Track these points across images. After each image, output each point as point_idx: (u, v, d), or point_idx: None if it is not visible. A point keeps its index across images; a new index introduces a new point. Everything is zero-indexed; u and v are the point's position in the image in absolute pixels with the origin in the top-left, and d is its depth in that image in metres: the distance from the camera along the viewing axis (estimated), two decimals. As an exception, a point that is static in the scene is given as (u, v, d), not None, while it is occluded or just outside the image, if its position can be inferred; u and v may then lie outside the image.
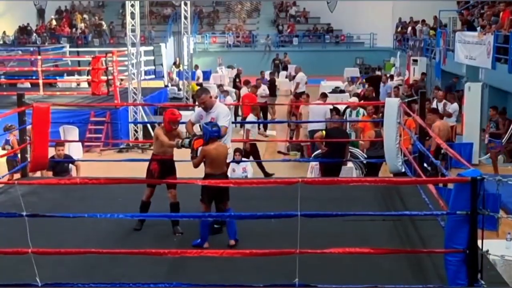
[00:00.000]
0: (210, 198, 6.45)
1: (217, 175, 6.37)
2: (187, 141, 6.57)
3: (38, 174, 9.55)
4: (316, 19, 36.22)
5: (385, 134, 8.89)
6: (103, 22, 34.70)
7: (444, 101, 14.63)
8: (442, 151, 10.07)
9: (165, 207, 7.07)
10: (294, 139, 14.83)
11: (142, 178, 7.01)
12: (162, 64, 25.06)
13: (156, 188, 7.00)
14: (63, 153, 9.96)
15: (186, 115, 16.83)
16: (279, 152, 14.91)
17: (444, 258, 5.09)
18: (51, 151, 9.36)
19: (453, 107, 14.38)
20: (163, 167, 6.85)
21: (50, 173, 9.77)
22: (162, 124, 6.90)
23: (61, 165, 9.99)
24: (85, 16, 35.57)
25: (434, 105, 14.26)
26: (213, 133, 6.41)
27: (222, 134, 6.63)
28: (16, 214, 5.21)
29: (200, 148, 6.46)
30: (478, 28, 17.05)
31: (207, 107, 6.94)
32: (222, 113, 6.89)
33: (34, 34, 33.60)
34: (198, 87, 7.67)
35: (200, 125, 7.15)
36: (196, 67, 24.64)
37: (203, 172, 6.46)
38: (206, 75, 28.11)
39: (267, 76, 21.78)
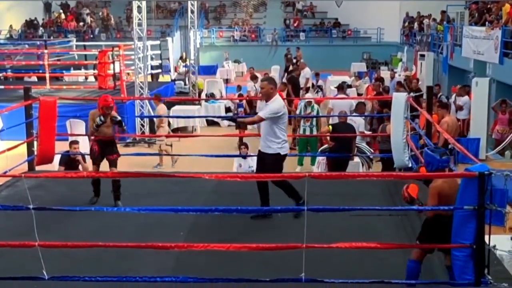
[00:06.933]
0: (430, 240, 5.26)
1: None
2: None
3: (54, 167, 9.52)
4: (323, 13, 36.12)
5: (392, 129, 8.86)
6: (111, 16, 34.71)
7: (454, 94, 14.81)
8: (450, 146, 10.04)
9: (172, 201, 7.09)
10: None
11: (149, 172, 7.02)
12: (168, 59, 25.05)
13: (165, 182, 7.46)
14: (78, 151, 9.76)
15: (193, 110, 16.93)
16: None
17: (451, 253, 5.07)
18: (59, 146, 9.28)
19: (463, 100, 14.40)
20: (103, 147, 7.57)
21: (62, 169, 9.71)
22: (96, 109, 7.48)
23: (72, 161, 9.79)
24: (91, 10, 35.57)
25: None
26: (442, 163, 5.26)
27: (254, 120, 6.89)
28: (23, 207, 5.23)
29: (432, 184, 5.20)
30: (486, 23, 16.98)
31: (267, 97, 6.75)
32: (271, 107, 6.70)
33: (41, 28, 33.65)
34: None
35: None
36: None
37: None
38: (213, 70, 28.10)
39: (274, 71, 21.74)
